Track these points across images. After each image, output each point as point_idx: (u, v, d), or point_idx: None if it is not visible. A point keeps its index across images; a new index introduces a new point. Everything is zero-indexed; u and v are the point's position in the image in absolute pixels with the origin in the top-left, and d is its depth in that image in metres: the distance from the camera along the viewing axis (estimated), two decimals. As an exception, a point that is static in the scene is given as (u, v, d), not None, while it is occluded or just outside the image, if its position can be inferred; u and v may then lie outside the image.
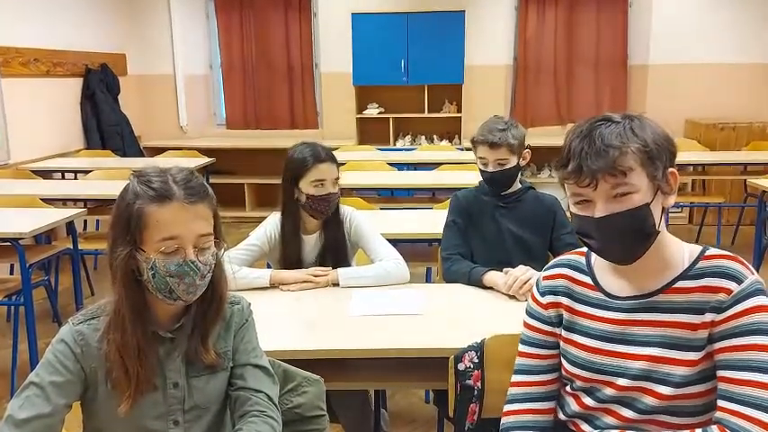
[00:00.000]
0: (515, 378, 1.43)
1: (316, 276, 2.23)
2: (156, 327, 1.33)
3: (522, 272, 2.09)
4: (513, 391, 1.43)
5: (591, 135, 1.19)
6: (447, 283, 2.31)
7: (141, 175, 1.29)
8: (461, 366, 1.69)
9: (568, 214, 1.33)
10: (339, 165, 2.34)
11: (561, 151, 1.24)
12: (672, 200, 1.25)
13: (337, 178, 2.29)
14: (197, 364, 1.35)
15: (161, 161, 5.25)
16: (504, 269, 2.16)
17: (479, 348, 1.70)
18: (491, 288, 2.16)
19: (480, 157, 2.32)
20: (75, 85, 5.71)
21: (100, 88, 5.85)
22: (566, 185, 1.24)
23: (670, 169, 1.23)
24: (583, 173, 1.18)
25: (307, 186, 2.25)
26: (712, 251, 1.25)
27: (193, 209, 1.26)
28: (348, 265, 2.37)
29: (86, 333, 1.30)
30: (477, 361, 1.69)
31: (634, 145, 1.18)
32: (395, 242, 2.41)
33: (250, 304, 1.48)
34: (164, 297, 1.27)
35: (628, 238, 1.20)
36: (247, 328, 1.44)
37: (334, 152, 2.34)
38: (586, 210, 1.22)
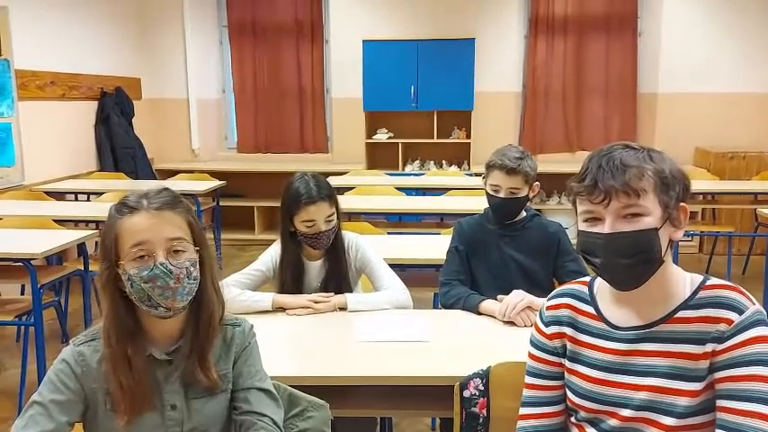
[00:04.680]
0: (524, 411, 1.42)
1: (316, 303, 2.23)
2: (153, 349, 1.34)
3: (518, 297, 2.09)
4: (521, 424, 1.42)
5: (610, 155, 1.22)
6: (444, 308, 2.31)
7: (121, 200, 1.35)
8: (467, 393, 1.68)
9: (574, 242, 1.34)
10: (335, 199, 2.28)
11: (580, 169, 1.26)
12: (680, 234, 1.26)
13: (332, 214, 2.25)
14: (196, 386, 1.36)
15: (172, 184, 5.31)
16: (499, 296, 2.15)
17: (485, 375, 1.69)
18: (492, 316, 2.16)
19: (492, 184, 2.31)
20: (89, 109, 5.80)
21: (114, 111, 5.94)
22: (578, 201, 1.26)
23: (681, 204, 1.24)
24: (597, 188, 1.20)
25: (299, 224, 2.25)
26: (713, 281, 1.25)
27: (159, 215, 1.31)
28: (351, 291, 2.37)
29: (87, 354, 1.33)
30: (482, 388, 1.68)
31: (651, 169, 1.21)
32: (402, 267, 2.41)
33: (252, 326, 1.49)
34: (147, 308, 1.30)
35: (633, 259, 1.21)
36: (250, 350, 1.45)
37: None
38: (595, 227, 1.23)
